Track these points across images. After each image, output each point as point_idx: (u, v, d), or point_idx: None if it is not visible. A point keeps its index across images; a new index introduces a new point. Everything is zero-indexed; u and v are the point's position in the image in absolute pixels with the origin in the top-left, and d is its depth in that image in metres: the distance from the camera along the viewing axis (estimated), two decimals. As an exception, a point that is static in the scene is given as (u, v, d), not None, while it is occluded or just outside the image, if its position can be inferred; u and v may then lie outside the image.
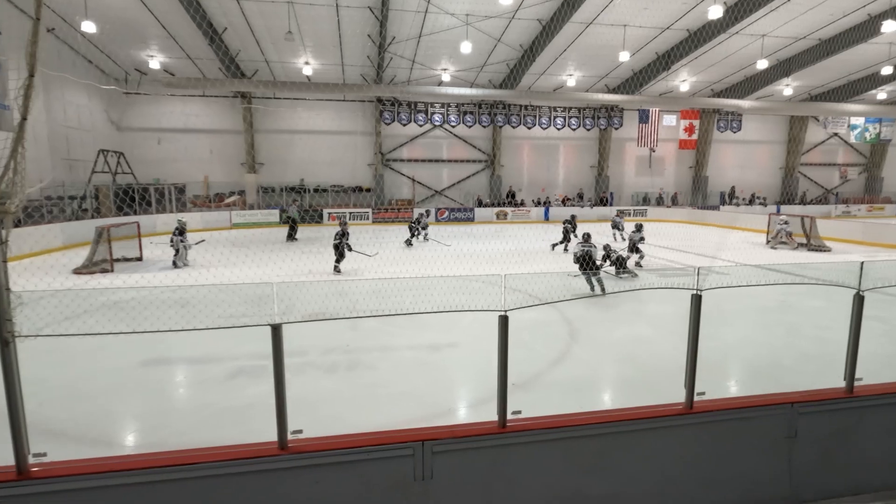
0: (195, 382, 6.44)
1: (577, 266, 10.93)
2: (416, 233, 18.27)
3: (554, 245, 16.65)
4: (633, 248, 13.63)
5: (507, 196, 31.29)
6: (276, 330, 3.49)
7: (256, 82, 25.22)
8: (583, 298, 10.10)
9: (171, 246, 14.26)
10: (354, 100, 28.87)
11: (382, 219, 27.88)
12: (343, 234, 13.07)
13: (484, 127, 30.32)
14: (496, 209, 28.99)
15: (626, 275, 11.50)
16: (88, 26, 18.22)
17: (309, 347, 7.30)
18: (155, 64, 23.68)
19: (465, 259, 13.94)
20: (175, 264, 13.78)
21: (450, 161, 31.05)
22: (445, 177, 31.18)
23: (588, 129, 31.56)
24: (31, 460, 2.85)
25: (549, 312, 8.86)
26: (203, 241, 15.21)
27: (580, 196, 32.38)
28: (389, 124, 28.92)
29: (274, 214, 26.65)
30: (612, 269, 11.44)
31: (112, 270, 13.32)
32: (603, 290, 10.44)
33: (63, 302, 3.87)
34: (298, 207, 23.42)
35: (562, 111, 30.44)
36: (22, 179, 2.64)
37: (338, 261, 12.70)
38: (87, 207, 21.23)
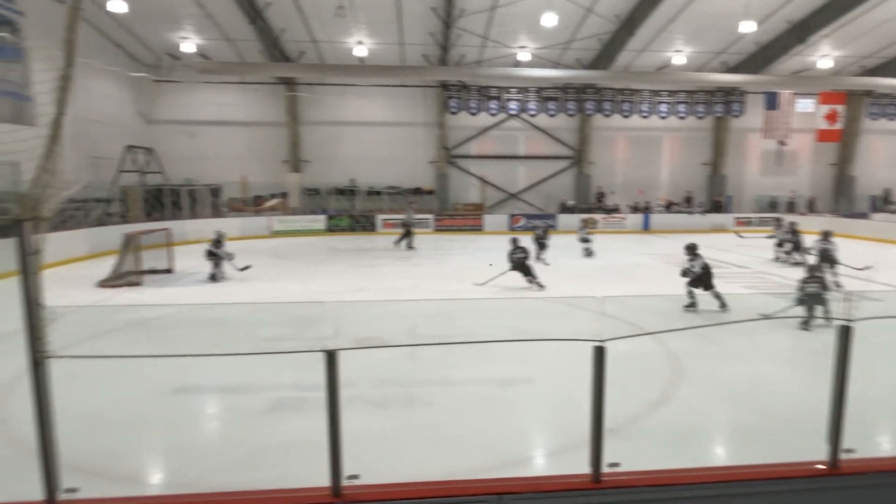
0: (230, 415, 6.76)
1: (692, 286, 11.11)
2: (543, 245, 17.43)
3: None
4: (827, 259, 13.23)
5: (596, 199, 30.90)
6: (332, 357, 3.63)
7: (302, 66, 26.21)
8: (690, 329, 9.85)
9: (208, 259, 15.04)
10: (415, 85, 29.44)
11: (446, 227, 28.16)
12: None
13: (570, 116, 30.15)
14: (583, 215, 28.64)
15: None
16: (117, 5, 19.47)
17: (358, 378, 7.49)
18: (189, 47, 25.07)
19: (544, 276, 13.87)
20: (213, 277, 14.56)
21: (527, 158, 31.06)
22: (522, 176, 31.20)
23: (700, 118, 30.76)
24: (63, 496, 3.11)
25: (646, 343, 8.71)
26: (250, 266, 15.45)
27: (688, 200, 31.53)
28: (456, 114, 29.27)
29: (319, 220, 27.50)
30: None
31: (140, 284, 14.18)
32: (723, 304, 10.88)
33: (87, 318, 4.21)
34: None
35: (667, 96, 29.83)
36: (57, 182, 2.91)
37: None
38: (113, 211, 22.68)
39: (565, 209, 29.94)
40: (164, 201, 24.13)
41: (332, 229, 27.41)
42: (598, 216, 29.16)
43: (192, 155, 28.79)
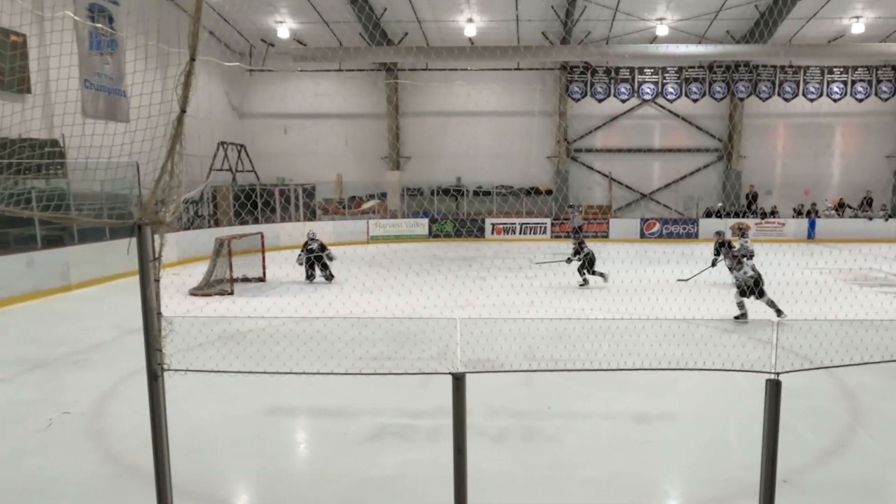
0: (329, 441, 7.04)
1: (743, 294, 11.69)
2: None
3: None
4: None
5: (748, 200, 29.65)
6: (459, 382, 3.75)
7: (405, 49, 26.82)
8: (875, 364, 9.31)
9: (298, 262, 15.69)
10: (531, 68, 29.51)
11: (566, 233, 27.99)
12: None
13: (717, 100, 29.18)
14: (732, 220, 27.59)
15: None
16: (212, -12, 20.78)
17: (470, 405, 7.60)
18: (284, 32, 26.34)
19: (685, 293, 13.51)
20: (329, 277, 15.66)
21: (663, 151, 30.37)
22: (656, 174, 30.55)
23: (884, 99, 28.92)
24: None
25: (819, 378, 8.35)
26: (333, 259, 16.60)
27: (867, 202, 29.67)
28: (579, 100, 29.09)
29: (421, 225, 28.00)
30: None
31: (232, 293, 15.04)
32: (779, 311, 11.41)
33: (177, 329, 4.54)
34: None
35: (840, 73, 28.28)
36: (179, 184, 3.21)
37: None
38: (205, 213, 24.15)
39: (710, 214, 28.95)
40: (256, 202, 25.35)
41: (435, 235, 27.86)
42: (749, 221, 28.02)
43: (284, 151, 30.16)
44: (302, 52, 25.93)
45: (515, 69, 29.53)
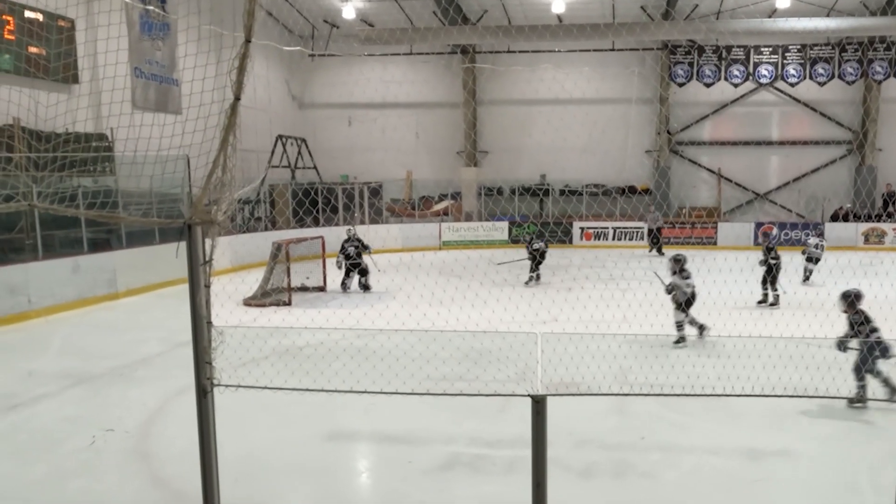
0: (395, 471, 7.09)
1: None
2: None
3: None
4: None
5: (884, 201, 28.51)
6: (540, 405, 3.74)
7: (484, 29, 26.85)
8: None
9: (337, 265, 16.08)
10: (628, 48, 29.15)
11: (666, 238, 27.43)
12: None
13: (848, 83, 28.19)
14: (865, 225, 26.60)
15: None
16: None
17: (551, 435, 7.53)
18: (349, 12, 26.70)
19: (804, 308, 13.08)
20: (365, 287, 15.87)
21: (782, 144, 29.58)
22: (773, 170, 29.79)
23: None
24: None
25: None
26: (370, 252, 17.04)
27: None
28: (684, 85, 28.58)
29: (500, 229, 27.95)
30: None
31: (289, 303, 15.34)
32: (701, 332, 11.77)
33: (230, 342, 4.65)
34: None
35: None
36: (232, 179, 3.29)
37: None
38: (260, 215, 24.69)
39: (838, 217, 27.95)
40: (317, 201, 25.66)
41: (515, 240, 27.65)
42: (886, 227, 26.92)
43: (348, 146, 30.58)
44: (369, 34, 26.13)
45: (610, 50, 29.22)
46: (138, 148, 4.66)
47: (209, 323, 3.34)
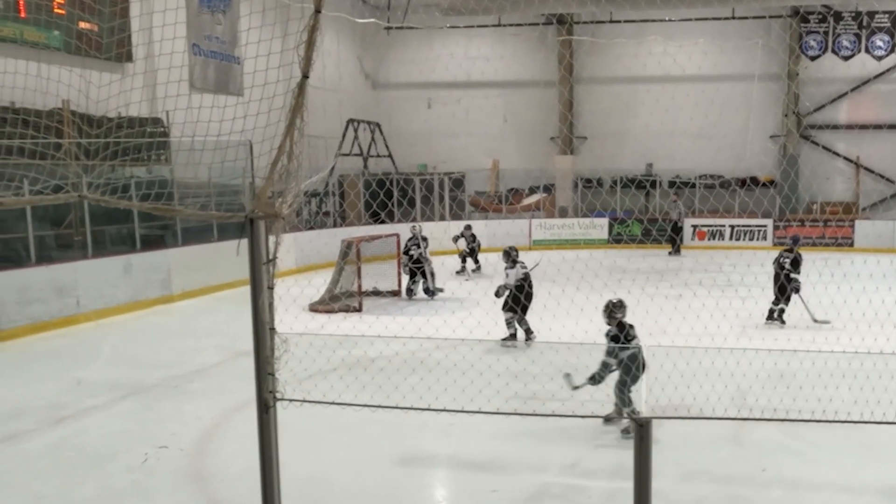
0: (475, 502, 7.10)
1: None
2: None
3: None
4: None
5: None
6: (644, 430, 3.68)
7: (581, -5, 26.61)
8: None
9: (405, 268, 16.23)
10: (751, 16, 28.47)
11: (797, 238, 26.69)
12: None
13: None
14: None
15: None
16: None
17: (656, 465, 7.39)
18: (430, -23, 26.74)
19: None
20: (429, 292, 16.15)
21: (936, 127, 28.53)
22: (925, 159, 28.74)
23: None
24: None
25: None
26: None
27: None
28: (816, 58, 27.95)
29: (599, 226, 27.70)
30: None
31: (359, 309, 15.51)
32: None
33: (296, 353, 4.69)
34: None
35: None
36: (298, 168, 3.32)
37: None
38: (330, 209, 24.95)
39: None
40: (391, 194, 25.79)
41: (616, 240, 27.58)
42: None
43: (427, 131, 30.71)
44: (452, 3, 26.01)
45: (730, 18, 28.61)
46: (197, 133, 4.74)
47: (272, 329, 3.38)
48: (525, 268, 13.66)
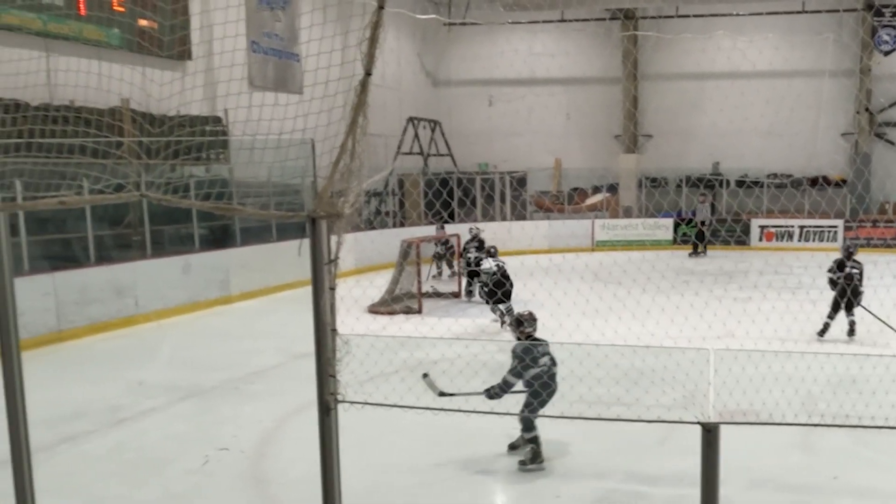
0: None
1: None
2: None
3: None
4: None
5: None
6: (711, 435, 3.65)
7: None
8: None
9: (463, 270, 16.26)
10: (823, 10, 27.93)
11: (866, 239, 26.36)
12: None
13: None
14: None
15: None
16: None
17: (724, 470, 7.33)
18: (492, -29, 26.73)
19: None
20: (471, 294, 16.23)
21: None
22: None
23: None
24: None
25: None
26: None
27: None
28: (890, 52, 27.34)
29: (664, 227, 27.55)
30: None
31: (419, 311, 15.62)
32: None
33: (357, 354, 4.73)
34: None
35: None
36: (360, 167, 3.35)
37: None
38: (390, 209, 25.10)
39: None
40: (453, 194, 25.84)
41: (682, 241, 27.35)
42: None
43: (489, 129, 30.70)
44: (515, -1, 26.12)
45: (800, 12, 28.12)
46: (255, 132, 4.80)
47: (334, 331, 3.41)
48: (500, 262, 14.45)
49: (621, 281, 18.23)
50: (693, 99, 29.52)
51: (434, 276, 19.49)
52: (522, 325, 8.41)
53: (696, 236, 25.86)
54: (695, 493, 4.06)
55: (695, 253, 25.40)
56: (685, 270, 21.16)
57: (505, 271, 14.41)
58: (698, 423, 3.98)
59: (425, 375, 7.88)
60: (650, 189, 29.24)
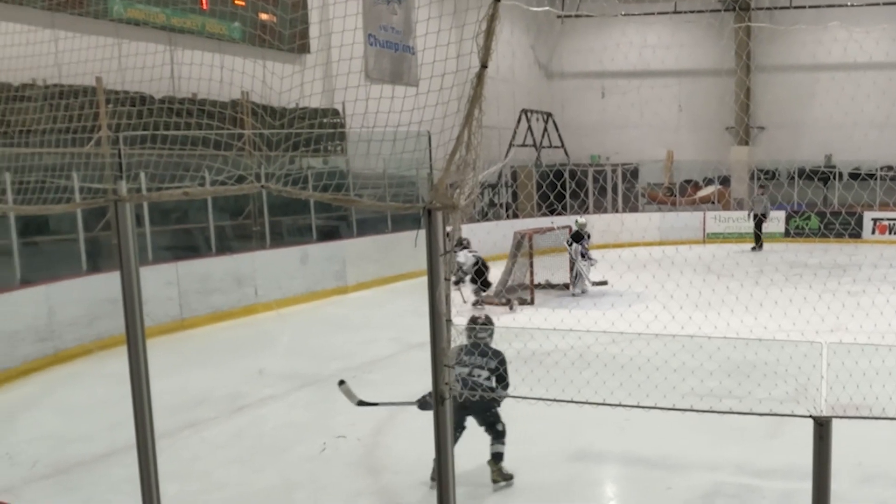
0: (649, 499, 7.10)
1: None
2: None
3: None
4: None
5: None
6: (823, 429, 3.54)
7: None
8: None
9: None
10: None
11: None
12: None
13: None
14: None
15: None
16: None
17: (836, 464, 7.12)
18: (609, -35, 26.51)
19: None
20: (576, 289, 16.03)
21: None
22: None
23: None
24: None
25: None
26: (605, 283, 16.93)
27: None
28: None
29: (775, 220, 26.99)
30: None
31: (531, 302, 15.58)
32: None
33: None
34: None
35: None
36: (476, 159, 3.33)
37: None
38: (502, 201, 25.13)
39: None
40: (566, 186, 25.81)
41: (794, 233, 26.84)
42: None
43: (600, 122, 30.48)
44: (629, -10, 25.96)
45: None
46: (372, 124, 4.84)
47: (449, 321, 3.40)
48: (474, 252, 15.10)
49: (734, 273, 17.92)
50: (807, 90, 28.94)
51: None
52: (479, 331, 7.72)
53: (756, 228, 25.31)
54: (806, 486, 4.00)
55: (757, 247, 24.87)
56: (798, 263, 20.67)
57: (484, 262, 15.30)
58: (810, 416, 3.87)
59: (342, 383, 7.50)
60: (763, 179, 28.59)
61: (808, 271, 18.53)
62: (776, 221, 26.95)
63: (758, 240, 24.82)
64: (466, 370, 7.14)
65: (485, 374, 7.24)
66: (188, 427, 8.93)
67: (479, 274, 14.76)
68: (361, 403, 7.40)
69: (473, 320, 7.78)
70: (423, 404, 7.01)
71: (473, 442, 7.61)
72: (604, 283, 17.18)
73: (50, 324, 11.90)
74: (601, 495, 7.45)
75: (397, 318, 14.36)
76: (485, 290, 15.43)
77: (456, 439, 6.58)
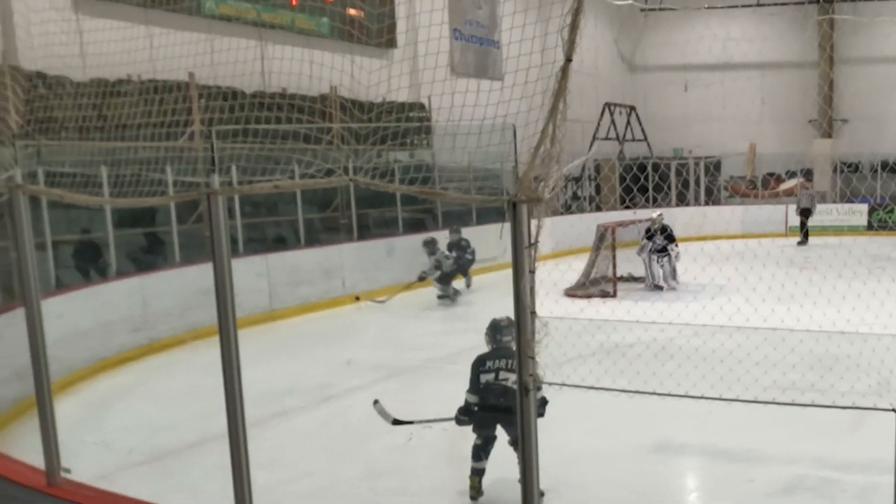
0: (729, 492, 7.00)
1: None
2: None
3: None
4: None
5: None
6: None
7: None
8: None
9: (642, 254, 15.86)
10: None
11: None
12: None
13: None
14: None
15: None
16: None
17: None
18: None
19: None
20: (655, 284, 16.17)
21: None
22: None
23: None
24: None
25: None
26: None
27: None
28: None
29: (859, 212, 26.63)
30: None
31: (614, 295, 15.48)
32: None
33: (555, 337, 4.71)
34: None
35: None
36: (560, 153, 3.31)
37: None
38: (585, 194, 24.99)
39: None
40: (649, 178, 25.60)
41: (878, 226, 26.21)
42: None
43: (683, 115, 30.10)
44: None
45: None
46: (457, 118, 4.85)
47: (533, 313, 3.40)
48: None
49: (816, 266, 17.54)
50: (890, 82, 28.23)
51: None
52: (497, 334, 7.11)
53: (802, 221, 25.01)
54: (887, 480, 3.94)
55: (803, 241, 24.48)
56: (882, 256, 20.15)
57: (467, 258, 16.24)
58: (893, 410, 3.77)
59: (376, 402, 7.48)
60: (847, 174, 27.86)
61: (892, 264, 18.19)
62: (859, 214, 26.38)
63: (803, 232, 24.65)
64: (492, 376, 6.81)
65: (512, 377, 6.25)
66: (277, 416, 9.05)
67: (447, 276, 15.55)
68: (396, 422, 7.43)
69: (495, 324, 7.19)
70: (458, 420, 6.92)
71: (558, 432, 7.61)
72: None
73: (144, 314, 12.19)
74: (682, 488, 7.36)
75: (482, 310, 14.33)
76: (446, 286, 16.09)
77: (488, 451, 6.75)
